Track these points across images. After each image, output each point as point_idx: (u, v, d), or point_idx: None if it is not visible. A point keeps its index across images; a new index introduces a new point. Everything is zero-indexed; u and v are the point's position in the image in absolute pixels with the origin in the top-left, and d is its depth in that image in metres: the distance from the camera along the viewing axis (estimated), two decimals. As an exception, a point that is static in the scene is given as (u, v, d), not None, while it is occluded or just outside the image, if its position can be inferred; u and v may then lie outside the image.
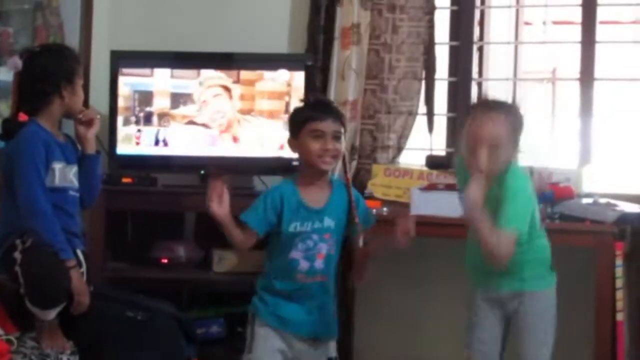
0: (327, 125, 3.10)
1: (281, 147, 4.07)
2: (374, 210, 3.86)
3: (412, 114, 4.27)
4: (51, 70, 3.37)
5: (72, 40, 4.30)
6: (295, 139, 3.14)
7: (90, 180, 3.48)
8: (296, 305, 3.14)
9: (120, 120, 4.22)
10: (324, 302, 3.18)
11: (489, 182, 3.00)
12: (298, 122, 3.14)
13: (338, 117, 3.15)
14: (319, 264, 3.13)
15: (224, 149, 4.21)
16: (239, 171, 4.19)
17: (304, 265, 3.12)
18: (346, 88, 4.22)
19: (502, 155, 2.98)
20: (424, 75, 4.30)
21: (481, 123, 3.02)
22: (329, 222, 3.14)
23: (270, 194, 3.15)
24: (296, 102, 4.07)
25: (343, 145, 3.15)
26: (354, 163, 4.22)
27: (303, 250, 3.12)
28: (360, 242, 3.17)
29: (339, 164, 3.30)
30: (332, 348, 3.23)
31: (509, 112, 3.06)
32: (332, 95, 4.23)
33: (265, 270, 3.19)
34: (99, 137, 3.63)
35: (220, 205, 3.00)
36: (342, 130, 3.16)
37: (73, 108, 3.42)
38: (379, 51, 4.28)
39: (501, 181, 3.00)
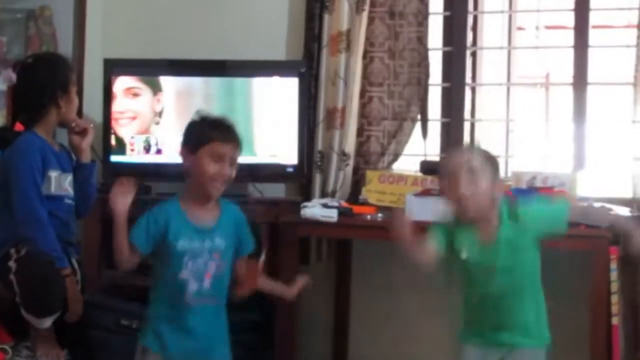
0: (228, 150, 3.01)
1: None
2: (369, 216, 3.88)
3: (412, 120, 4.27)
4: (47, 82, 3.37)
5: (65, 48, 4.31)
6: (191, 153, 3.03)
7: (85, 189, 3.49)
8: (182, 332, 3.02)
9: (113, 127, 4.22)
10: (212, 329, 3.06)
11: (488, 228, 2.98)
12: (199, 139, 3.02)
13: (239, 143, 3.06)
14: (206, 283, 3.02)
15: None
16: (235, 178, 4.18)
17: (192, 286, 3.00)
18: (336, 95, 4.22)
19: (482, 181, 2.95)
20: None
21: (453, 155, 3.06)
22: (219, 242, 3.05)
23: (153, 213, 3.05)
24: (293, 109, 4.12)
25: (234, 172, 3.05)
26: (348, 168, 4.21)
27: (192, 270, 3.00)
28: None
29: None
30: None
31: (477, 148, 3.12)
32: (322, 102, 4.23)
33: (150, 299, 3.08)
34: (93, 146, 3.63)
35: (122, 200, 2.97)
36: (237, 156, 3.06)
37: (68, 116, 3.43)
38: (375, 57, 4.28)
39: (505, 221, 2.98)
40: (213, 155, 2.99)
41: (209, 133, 3.03)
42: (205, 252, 3.02)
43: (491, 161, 3.01)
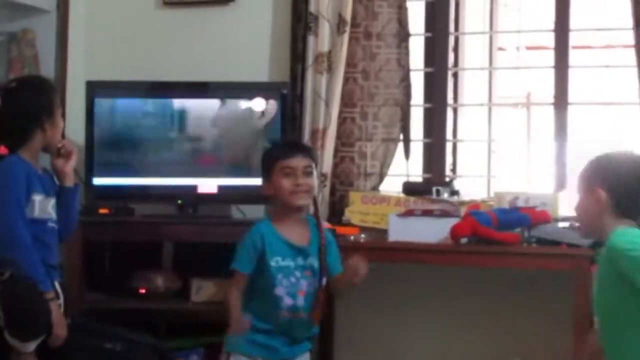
0: (297, 162, 3.18)
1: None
2: (352, 237, 3.89)
3: (393, 140, 4.29)
4: (32, 107, 3.36)
5: (48, 71, 4.30)
6: (268, 182, 3.22)
7: (68, 213, 3.47)
8: (275, 339, 3.20)
9: (96, 150, 4.21)
10: (303, 338, 3.26)
11: None
12: (269, 163, 3.23)
13: (307, 152, 3.23)
14: (300, 301, 3.17)
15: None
16: (219, 200, 4.20)
17: (287, 301, 3.16)
18: (317, 116, 4.24)
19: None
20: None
21: None
22: (312, 260, 3.21)
23: (250, 236, 3.21)
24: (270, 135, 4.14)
25: (316, 181, 3.19)
26: (325, 189, 4.22)
27: (286, 287, 3.16)
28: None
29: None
30: None
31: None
32: (307, 123, 4.24)
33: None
34: (76, 168, 3.62)
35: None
36: (313, 165, 3.22)
37: (53, 140, 3.42)
38: (357, 79, 4.30)
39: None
40: (283, 171, 3.19)
41: (274, 155, 3.26)
42: (298, 270, 3.19)
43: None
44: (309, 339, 3.33)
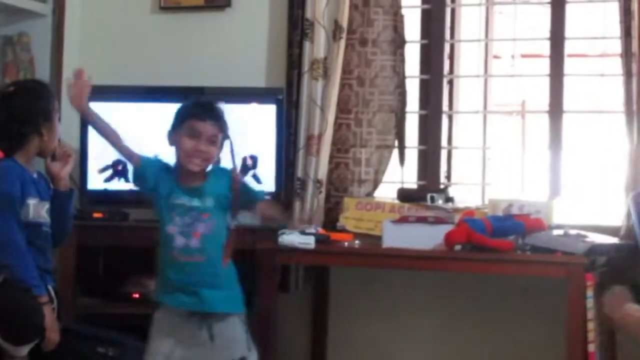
0: (205, 127, 3.14)
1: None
2: (346, 243, 3.89)
3: (388, 147, 4.29)
4: (29, 111, 3.36)
5: (43, 75, 4.30)
6: (174, 133, 3.19)
7: (62, 217, 3.47)
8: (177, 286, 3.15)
9: (90, 155, 4.20)
10: (204, 284, 3.14)
11: None
12: (179, 118, 3.19)
13: (218, 121, 3.17)
14: (194, 242, 3.12)
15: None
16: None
17: (179, 240, 3.12)
18: (312, 122, 4.24)
19: None
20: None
21: None
22: (208, 201, 3.15)
23: (159, 160, 3.21)
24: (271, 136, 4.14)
25: (218, 151, 3.17)
26: (321, 196, 4.22)
27: (180, 226, 3.13)
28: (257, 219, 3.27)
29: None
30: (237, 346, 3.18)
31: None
32: (302, 129, 4.24)
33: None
34: (70, 173, 3.62)
35: (80, 98, 3.16)
36: (220, 135, 3.17)
37: (50, 145, 3.42)
38: (353, 85, 4.30)
39: None
40: (189, 132, 3.14)
41: (187, 112, 3.19)
42: (195, 211, 3.13)
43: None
44: (222, 292, 3.19)
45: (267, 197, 3.35)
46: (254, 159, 4.09)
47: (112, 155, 4.13)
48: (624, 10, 3.92)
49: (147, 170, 3.18)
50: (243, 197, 3.22)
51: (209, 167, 3.20)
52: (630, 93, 3.89)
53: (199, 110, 3.17)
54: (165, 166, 3.21)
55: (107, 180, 4.10)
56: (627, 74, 3.90)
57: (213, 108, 3.20)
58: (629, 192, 3.84)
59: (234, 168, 3.22)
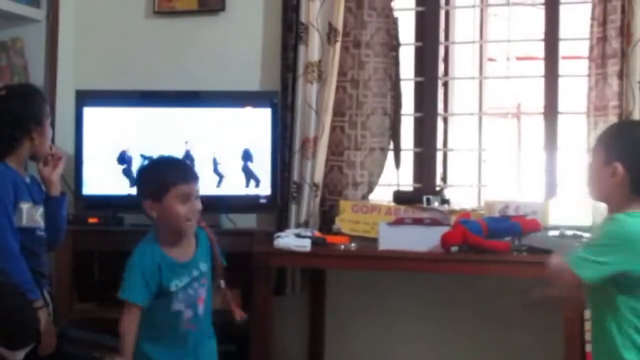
0: (193, 187, 3.10)
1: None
2: (342, 246, 3.89)
3: (382, 149, 4.29)
4: (20, 115, 3.34)
5: (37, 80, 4.30)
6: (156, 201, 3.07)
7: (55, 221, 3.45)
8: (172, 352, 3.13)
9: (85, 160, 4.20)
10: (201, 345, 3.17)
11: None
12: (161, 187, 3.07)
13: (197, 176, 3.15)
14: (200, 309, 3.13)
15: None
16: (206, 209, 4.18)
17: (187, 314, 3.11)
18: (308, 125, 4.24)
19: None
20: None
21: None
22: (203, 266, 3.15)
23: (143, 264, 3.09)
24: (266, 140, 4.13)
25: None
26: (317, 199, 4.21)
27: (184, 300, 3.11)
28: (222, 283, 3.19)
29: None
30: None
31: None
32: (297, 132, 4.24)
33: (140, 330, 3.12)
34: (64, 177, 3.60)
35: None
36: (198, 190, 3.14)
37: (41, 149, 3.40)
38: (347, 87, 4.30)
39: None
40: (180, 197, 3.06)
41: (169, 178, 3.08)
42: (196, 281, 3.12)
43: None
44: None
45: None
46: (247, 158, 4.08)
47: (108, 159, 4.20)
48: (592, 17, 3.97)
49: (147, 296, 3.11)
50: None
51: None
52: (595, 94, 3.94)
53: (180, 174, 3.11)
54: (147, 267, 3.10)
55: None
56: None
57: (186, 165, 3.23)
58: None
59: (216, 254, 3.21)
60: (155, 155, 3.41)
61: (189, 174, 3.13)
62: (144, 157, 3.27)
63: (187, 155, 4.14)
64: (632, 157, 2.62)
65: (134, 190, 4.14)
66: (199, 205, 3.11)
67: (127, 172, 4.19)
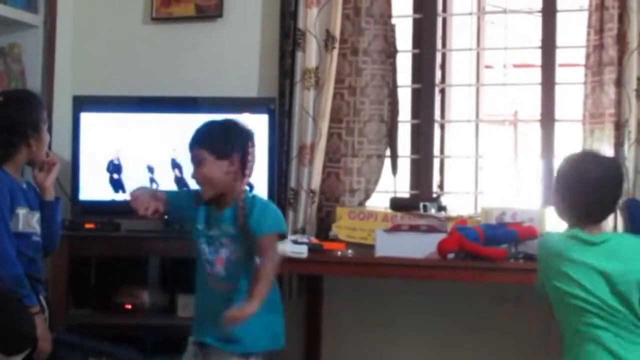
0: (191, 154, 3.19)
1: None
2: (339, 252, 3.88)
3: (379, 156, 4.29)
4: (18, 122, 3.34)
5: (34, 86, 4.30)
6: None
7: (50, 226, 3.45)
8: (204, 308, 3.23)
9: (82, 166, 4.19)
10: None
11: None
12: None
13: (194, 141, 3.19)
14: (219, 269, 3.15)
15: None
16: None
17: (211, 270, 3.18)
18: (305, 132, 4.24)
19: None
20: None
21: None
22: (227, 228, 3.16)
23: (191, 192, 3.30)
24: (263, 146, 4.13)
25: (215, 169, 3.14)
26: (314, 206, 4.21)
27: (204, 254, 3.19)
28: (257, 259, 3.14)
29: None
30: None
31: None
32: (295, 139, 4.24)
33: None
34: (61, 183, 3.60)
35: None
36: (205, 154, 3.15)
37: (38, 155, 3.41)
38: (344, 94, 4.30)
39: None
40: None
41: None
42: (215, 240, 3.16)
43: None
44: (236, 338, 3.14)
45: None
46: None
47: (104, 164, 4.20)
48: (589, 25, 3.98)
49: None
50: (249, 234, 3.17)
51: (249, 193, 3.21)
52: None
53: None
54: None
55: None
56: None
57: (197, 132, 3.22)
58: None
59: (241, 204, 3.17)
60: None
61: (190, 140, 3.20)
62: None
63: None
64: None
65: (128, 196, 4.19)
66: (196, 172, 3.17)
67: (113, 182, 4.19)
